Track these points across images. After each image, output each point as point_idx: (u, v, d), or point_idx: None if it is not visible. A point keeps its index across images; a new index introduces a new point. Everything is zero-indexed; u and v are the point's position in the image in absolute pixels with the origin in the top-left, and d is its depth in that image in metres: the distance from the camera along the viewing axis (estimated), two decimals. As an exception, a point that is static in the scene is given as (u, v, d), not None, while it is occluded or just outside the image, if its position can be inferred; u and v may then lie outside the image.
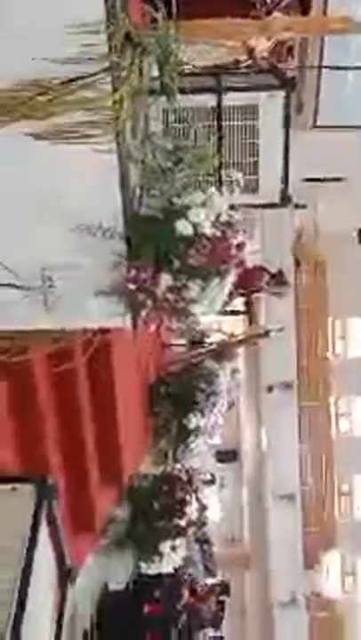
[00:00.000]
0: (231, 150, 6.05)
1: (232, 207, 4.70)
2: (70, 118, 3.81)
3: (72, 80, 3.75)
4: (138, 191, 4.30)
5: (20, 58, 3.61)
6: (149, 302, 4.05)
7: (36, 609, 3.60)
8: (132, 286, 4.03)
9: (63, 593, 4.25)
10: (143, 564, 8.75)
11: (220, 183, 5.40)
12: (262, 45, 6.97)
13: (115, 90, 3.84)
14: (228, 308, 6.97)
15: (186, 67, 4.77)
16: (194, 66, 6.01)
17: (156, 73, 4.17)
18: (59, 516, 4.03)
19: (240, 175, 5.37)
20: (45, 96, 3.77)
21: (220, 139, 5.97)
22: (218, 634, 11.45)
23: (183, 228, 4.07)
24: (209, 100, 5.92)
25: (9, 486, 3.84)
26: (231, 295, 5.22)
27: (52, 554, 4.06)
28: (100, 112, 3.87)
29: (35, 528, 3.74)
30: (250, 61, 7.34)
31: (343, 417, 18.92)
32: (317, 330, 16.79)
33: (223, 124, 6.03)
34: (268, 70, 6.73)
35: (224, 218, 4.31)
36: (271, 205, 6.25)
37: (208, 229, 4.14)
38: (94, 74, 3.75)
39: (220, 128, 6.00)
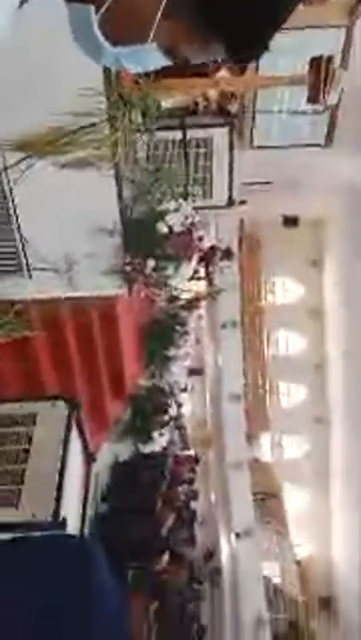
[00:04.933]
0: (193, 169, 5.98)
1: (195, 208, 4.69)
2: (83, 153, 3.77)
3: (83, 127, 3.70)
4: (130, 202, 4.28)
5: (48, 112, 3.54)
6: (140, 278, 4.09)
7: (71, 477, 3.74)
8: (128, 268, 4.06)
9: (88, 467, 4.38)
10: (140, 446, 8.95)
11: (186, 194, 5.37)
12: (213, 93, 6.82)
13: (112, 133, 3.79)
14: (195, 275, 7.00)
15: (161, 109, 4.65)
16: (166, 109, 5.89)
17: (140, 119, 4.10)
18: (83, 421, 4.14)
19: (198, 188, 5.33)
20: (65, 138, 3.72)
21: (185, 162, 5.89)
22: (192, 488, 11.64)
23: (161, 227, 4.08)
24: (177, 135, 5.82)
25: (50, 403, 3.92)
26: (196, 269, 5.27)
27: (80, 445, 4.18)
28: (102, 149, 3.83)
29: (68, 429, 3.85)
30: (206, 103, 7.18)
31: (272, 344, 19.10)
32: (254, 286, 16.81)
33: (187, 151, 5.95)
34: (218, 112, 6.60)
35: (189, 219, 4.32)
36: (221, 207, 6.20)
37: (178, 228, 4.16)
38: (98, 122, 3.69)
39: (185, 154, 5.91)
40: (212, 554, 12.23)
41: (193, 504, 11.15)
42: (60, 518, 3.40)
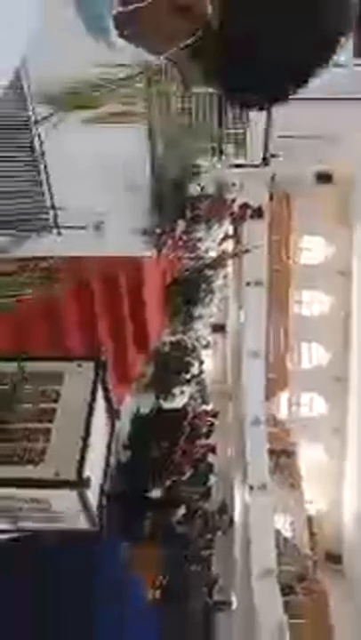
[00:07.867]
0: (230, 124, 5.70)
1: (228, 166, 4.53)
2: (116, 108, 3.63)
3: (117, 80, 3.54)
4: (162, 160, 4.14)
5: (82, 65, 3.39)
6: (169, 241, 4.00)
7: (96, 436, 3.80)
8: (157, 230, 3.97)
9: (112, 423, 4.42)
10: (162, 401, 9.08)
11: (220, 151, 5.16)
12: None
13: (147, 87, 3.63)
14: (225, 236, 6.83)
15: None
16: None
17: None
18: (109, 380, 4.15)
19: (232, 146, 5.10)
20: (98, 92, 3.57)
21: (220, 116, 5.62)
22: (209, 442, 11.74)
23: (193, 189, 3.96)
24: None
25: (76, 363, 3.93)
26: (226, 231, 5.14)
27: (104, 404, 4.21)
28: (136, 103, 3.67)
29: (94, 389, 3.87)
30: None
31: (296, 303, 18.89)
32: (282, 244, 16.44)
33: (223, 104, 5.67)
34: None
35: (221, 180, 4.18)
36: (255, 166, 5.96)
37: (210, 190, 4.04)
38: (133, 75, 3.53)
39: (220, 107, 5.64)
40: (226, 506, 12.57)
41: (211, 458, 11.37)
42: (84, 476, 3.49)
